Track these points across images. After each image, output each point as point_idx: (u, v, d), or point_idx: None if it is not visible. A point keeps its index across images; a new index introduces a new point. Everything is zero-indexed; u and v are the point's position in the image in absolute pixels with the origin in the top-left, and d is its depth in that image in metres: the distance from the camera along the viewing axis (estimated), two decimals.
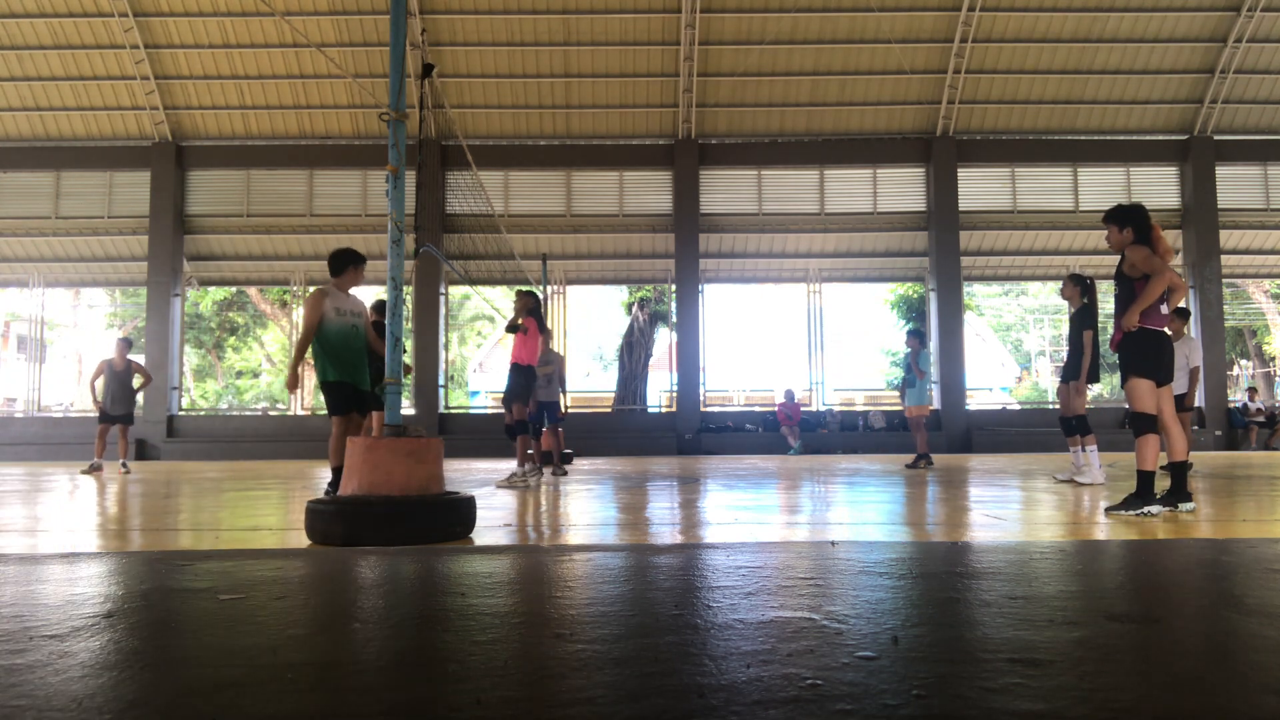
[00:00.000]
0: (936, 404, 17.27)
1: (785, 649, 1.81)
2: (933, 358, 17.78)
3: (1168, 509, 4.65)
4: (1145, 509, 4.49)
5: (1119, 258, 4.87)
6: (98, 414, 11.03)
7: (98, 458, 11.00)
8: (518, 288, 9.11)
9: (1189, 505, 4.70)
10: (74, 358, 31.15)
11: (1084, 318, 7.20)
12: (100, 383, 11.04)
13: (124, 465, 11.02)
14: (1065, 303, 7.58)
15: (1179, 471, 4.76)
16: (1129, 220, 4.83)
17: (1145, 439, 4.67)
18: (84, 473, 10.68)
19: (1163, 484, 4.81)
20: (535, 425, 8.68)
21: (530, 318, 8.05)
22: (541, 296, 11.75)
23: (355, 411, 5.90)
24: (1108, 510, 4.71)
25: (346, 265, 5.85)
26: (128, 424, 11.11)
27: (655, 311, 21.81)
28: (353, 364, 5.83)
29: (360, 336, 5.89)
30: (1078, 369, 7.19)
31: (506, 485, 7.46)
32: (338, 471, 5.78)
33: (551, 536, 4.25)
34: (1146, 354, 4.69)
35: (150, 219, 17.65)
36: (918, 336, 10.76)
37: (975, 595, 2.40)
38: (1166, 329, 4.78)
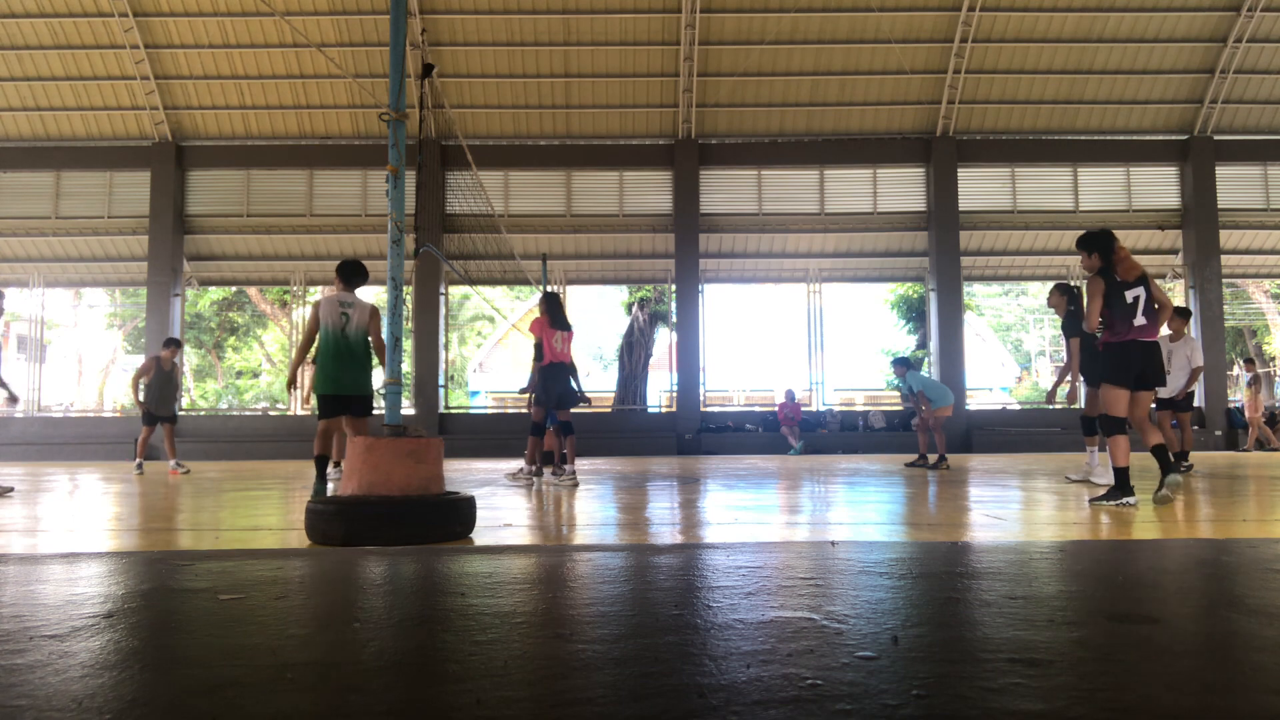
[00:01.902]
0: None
1: (785, 649, 1.81)
2: (932, 356, 17.78)
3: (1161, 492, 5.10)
4: (1124, 500, 5.03)
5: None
6: (142, 415, 10.61)
7: (140, 457, 10.71)
8: (519, 289, 9.08)
9: (1164, 491, 5.10)
10: (74, 358, 31.16)
11: (1071, 325, 7.16)
12: (145, 382, 10.55)
13: (179, 464, 10.63)
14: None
15: (1158, 456, 5.17)
16: (1094, 246, 5.36)
17: (1115, 439, 5.21)
18: (138, 474, 10.20)
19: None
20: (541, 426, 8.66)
21: (540, 317, 7.91)
22: (556, 291, 11.67)
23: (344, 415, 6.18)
24: (1090, 501, 5.27)
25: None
26: (174, 423, 10.79)
27: (655, 311, 21.81)
28: (334, 369, 6.09)
29: (348, 336, 6.07)
30: (1099, 371, 7.10)
31: (510, 480, 7.58)
32: (319, 460, 6.27)
33: (551, 536, 4.25)
34: (1110, 364, 5.23)
35: (150, 219, 17.65)
36: (903, 364, 10.63)
37: (975, 595, 2.40)
38: (1134, 337, 5.18)
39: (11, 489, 7.21)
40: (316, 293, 20.87)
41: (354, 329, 6.04)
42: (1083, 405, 7.32)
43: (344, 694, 1.55)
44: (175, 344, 10.94)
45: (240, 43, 17.19)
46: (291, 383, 6.71)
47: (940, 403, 10.24)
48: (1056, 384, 7.23)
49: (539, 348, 7.79)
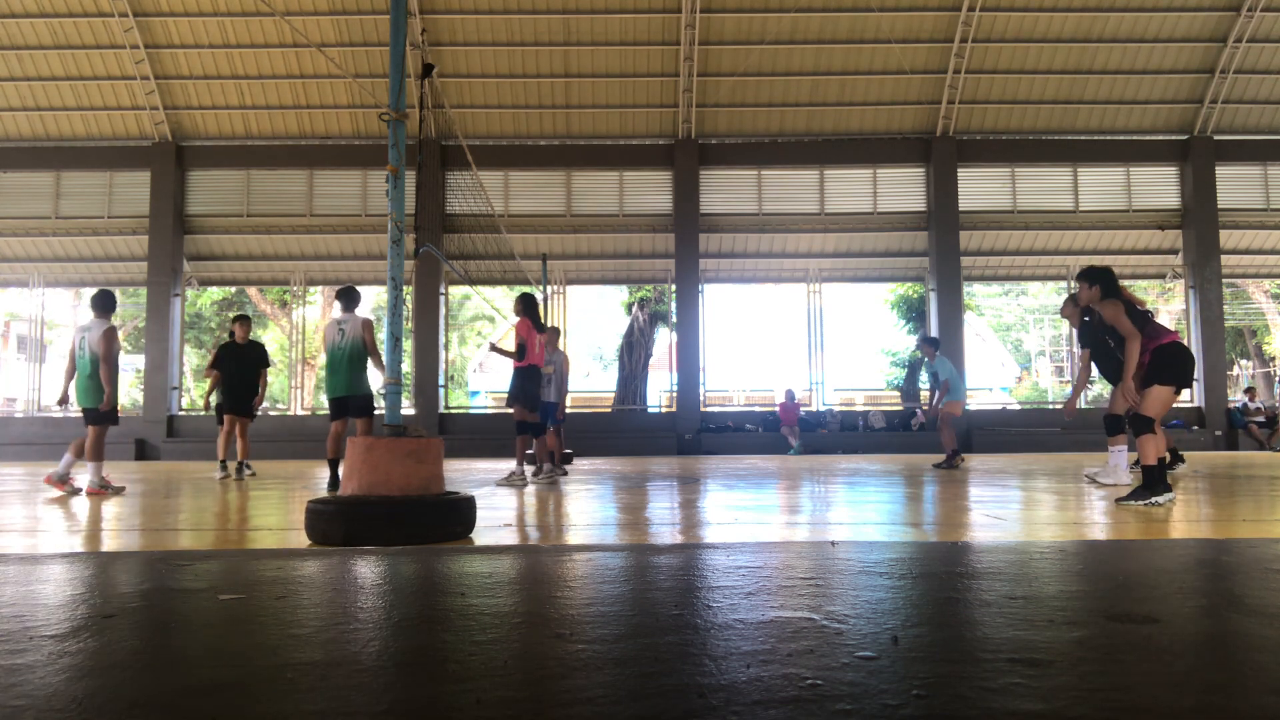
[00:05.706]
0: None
1: (785, 649, 1.81)
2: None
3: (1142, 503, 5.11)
4: (1153, 499, 5.04)
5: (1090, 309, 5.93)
6: (217, 411, 9.22)
7: (236, 458, 9.13)
8: (519, 289, 9.18)
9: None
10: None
11: (1085, 335, 7.10)
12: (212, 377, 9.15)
13: (246, 467, 9.24)
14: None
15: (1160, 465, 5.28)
16: (1097, 278, 5.71)
17: (1146, 438, 5.22)
18: (237, 479, 8.83)
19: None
20: (539, 426, 8.66)
21: (525, 318, 8.02)
22: (540, 296, 11.69)
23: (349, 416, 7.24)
24: (1118, 501, 5.24)
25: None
26: (249, 418, 9.16)
27: (655, 311, 21.81)
28: (331, 378, 7.28)
29: (342, 348, 7.18)
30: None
31: (505, 484, 7.52)
32: (333, 463, 7.24)
33: (551, 536, 4.25)
34: (1163, 365, 5.32)
35: (150, 219, 17.65)
36: (933, 344, 10.51)
37: (975, 595, 2.39)
38: (1177, 339, 5.49)
39: (123, 488, 7.37)
40: (316, 293, 20.76)
41: (348, 341, 7.16)
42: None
43: (344, 694, 1.55)
44: (239, 320, 9.31)
45: (240, 43, 17.19)
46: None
47: (956, 396, 10.20)
48: (1074, 397, 7.16)
49: (523, 348, 7.89)
